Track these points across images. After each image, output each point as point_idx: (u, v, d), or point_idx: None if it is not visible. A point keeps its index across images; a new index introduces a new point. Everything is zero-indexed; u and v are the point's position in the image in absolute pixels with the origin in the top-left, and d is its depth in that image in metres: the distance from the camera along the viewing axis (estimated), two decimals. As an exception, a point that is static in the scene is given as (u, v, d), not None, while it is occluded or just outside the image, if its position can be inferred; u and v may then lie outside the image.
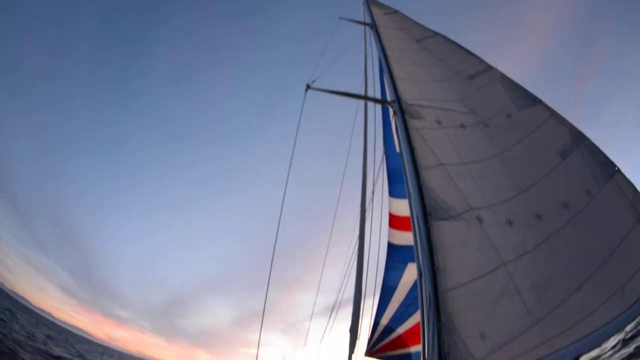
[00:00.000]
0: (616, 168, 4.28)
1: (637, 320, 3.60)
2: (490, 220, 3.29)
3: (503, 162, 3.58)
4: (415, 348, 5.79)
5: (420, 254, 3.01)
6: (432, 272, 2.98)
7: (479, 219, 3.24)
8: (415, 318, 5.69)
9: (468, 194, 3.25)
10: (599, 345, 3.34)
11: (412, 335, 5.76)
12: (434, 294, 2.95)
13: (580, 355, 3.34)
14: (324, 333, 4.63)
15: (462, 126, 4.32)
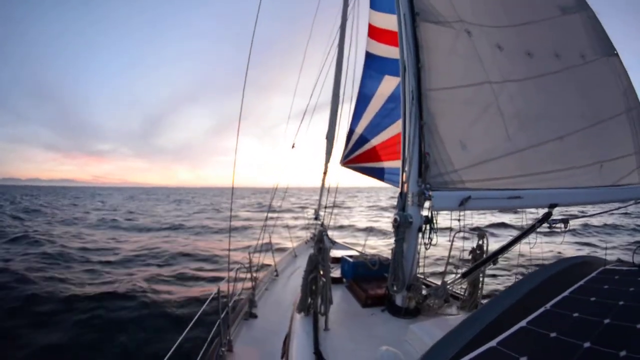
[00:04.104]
0: (615, 52, 4.20)
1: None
2: (479, 37, 3.12)
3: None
4: (389, 164, 5.84)
5: (406, 51, 2.83)
6: (417, 68, 2.81)
7: (469, 32, 3.07)
8: (390, 131, 5.69)
9: (459, 7, 3.06)
10: (573, 204, 3.35)
11: (386, 149, 5.79)
12: (417, 89, 2.79)
13: (556, 205, 3.34)
14: (297, 133, 4.47)
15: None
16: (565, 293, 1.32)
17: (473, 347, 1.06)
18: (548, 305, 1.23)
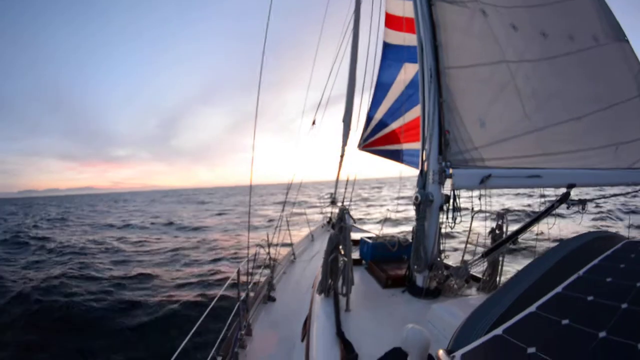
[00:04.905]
0: (626, 37, 4.21)
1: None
2: (494, 17, 3.13)
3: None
4: (408, 146, 5.82)
5: (422, 30, 2.85)
6: (434, 46, 2.82)
7: (484, 12, 3.08)
8: (410, 115, 5.66)
9: (473, -13, 3.10)
10: (591, 185, 3.35)
11: (406, 132, 5.76)
12: (435, 67, 2.80)
13: (574, 185, 3.32)
14: (317, 110, 4.45)
15: None
16: (595, 261, 1.35)
17: (510, 315, 1.09)
18: (581, 272, 1.27)
